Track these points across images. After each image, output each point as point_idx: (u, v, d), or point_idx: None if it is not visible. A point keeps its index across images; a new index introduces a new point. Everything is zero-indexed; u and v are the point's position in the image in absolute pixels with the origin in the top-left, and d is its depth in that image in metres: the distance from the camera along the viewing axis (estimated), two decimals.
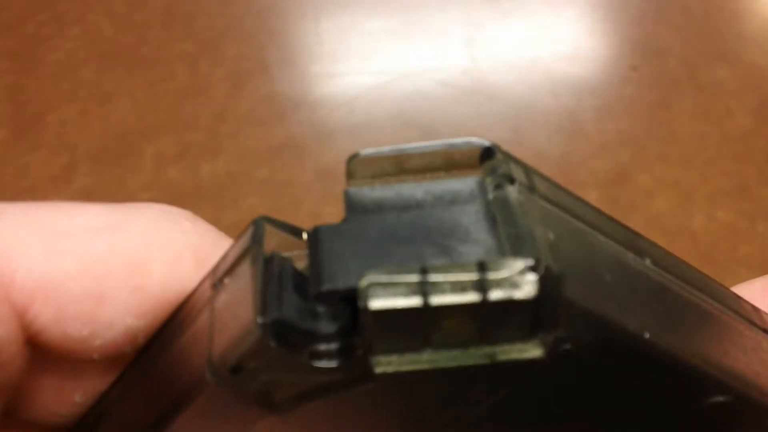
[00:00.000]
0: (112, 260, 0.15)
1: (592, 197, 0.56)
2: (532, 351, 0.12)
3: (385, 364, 0.12)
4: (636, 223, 0.62)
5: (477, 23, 0.68)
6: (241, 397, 0.13)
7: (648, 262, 0.14)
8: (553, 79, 0.63)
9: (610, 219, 0.15)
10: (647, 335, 0.13)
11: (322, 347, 0.12)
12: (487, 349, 0.12)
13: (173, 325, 0.15)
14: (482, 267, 0.11)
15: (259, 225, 0.13)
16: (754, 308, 0.18)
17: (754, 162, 0.57)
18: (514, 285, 0.11)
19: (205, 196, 0.57)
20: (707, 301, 0.15)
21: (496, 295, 0.11)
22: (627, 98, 0.62)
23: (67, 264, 0.14)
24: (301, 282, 0.12)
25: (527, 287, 0.11)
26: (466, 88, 0.63)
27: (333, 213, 0.55)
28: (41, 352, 0.15)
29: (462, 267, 0.11)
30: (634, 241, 0.15)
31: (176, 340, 0.15)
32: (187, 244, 0.15)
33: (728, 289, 0.17)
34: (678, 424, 0.15)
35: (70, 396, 0.17)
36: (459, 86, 0.63)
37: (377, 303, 0.11)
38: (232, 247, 0.14)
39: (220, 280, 0.14)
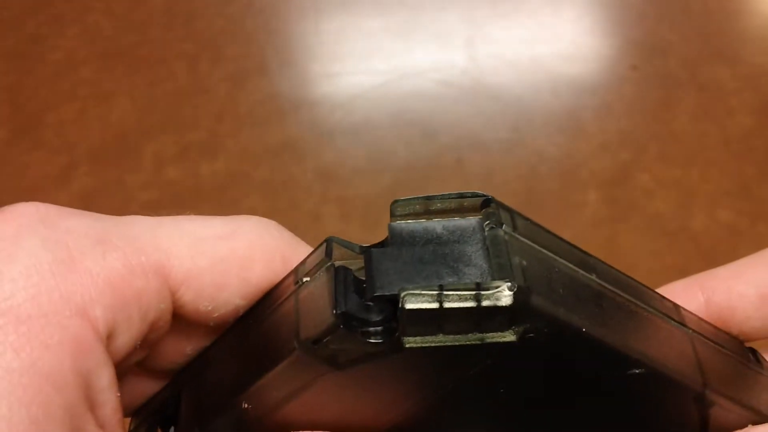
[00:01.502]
0: (229, 260, 0.21)
1: (592, 197, 0.56)
2: (508, 337, 0.19)
3: (412, 342, 0.19)
4: (636, 222, 0.62)
5: (477, 23, 0.68)
6: (317, 361, 0.19)
7: (594, 276, 0.21)
8: (554, 78, 0.63)
9: (570, 245, 0.21)
10: (584, 329, 0.19)
11: (372, 330, 0.19)
12: (479, 335, 0.19)
13: (264, 305, 0.21)
14: (478, 285, 0.18)
15: (329, 242, 0.20)
16: (675, 305, 0.23)
17: (755, 162, 0.57)
18: (497, 297, 0.18)
19: (204, 196, 0.57)
20: (634, 302, 0.22)
21: (486, 303, 0.18)
22: (627, 98, 0.62)
23: (202, 261, 0.21)
24: (359, 285, 0.19)
25: (505, 299, 0.18)
26: (465, 88, 0.63)
27: (332, 213, 0.55)
28: (179, 324, 0.21)
29: (464, 285, 0.18)
30: (585, 261, 0.21)
31: (267, 318, 0.21)
32: (276, 248, 0.22)
33: (655, 292, 0.23)
34: (609, 392, 0.21)
35: (184, 349, 0.23)
36: (459, 86, 0.63)
37: (409, 305, 0.18)
38: (309, 255, 0.21)
39: (302, 279, 0.20)
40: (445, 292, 0.18)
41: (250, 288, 0.22)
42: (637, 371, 0.21)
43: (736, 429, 0.23)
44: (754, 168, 0.57)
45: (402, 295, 0.18)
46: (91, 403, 0.19)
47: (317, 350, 0.19)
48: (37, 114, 0.62)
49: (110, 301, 0.19)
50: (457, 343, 0.19)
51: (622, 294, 0.21)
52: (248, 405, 0.21)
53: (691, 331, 0.23)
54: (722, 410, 0.23)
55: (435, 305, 0.18)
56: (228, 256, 0.21)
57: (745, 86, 0.62)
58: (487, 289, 0.18)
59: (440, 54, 0.66)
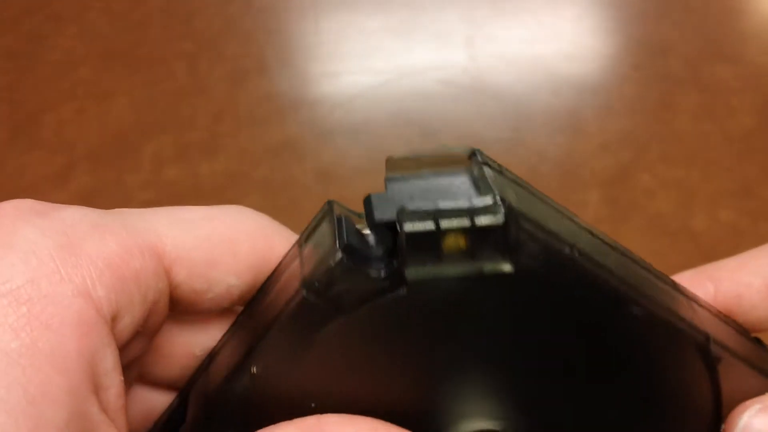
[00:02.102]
0: (216, 236, 0.22)
1: (593, 197, 0.56)
2: (505, 266, 0.19)
3: (414, 273, 0.19)
4: (637, 222, 0.62)
5: (477, 22, 0.68)
6: (323, 303, 0.20)
7: (582, 223, 0.22)
8: (554, 78, 0.63)
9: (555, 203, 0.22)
10: (578, 256, 0.20)
11: (374, 263, 0.20)
12: (477, 265, 0.20)
13: (268, 283, 0.22)
14: (471, 203, 0.19)
15: (330, 203, 0.21)
16: (673, 281, 0.24)
17: (757, 161, 0.57)
18: (490, 212, 0.19)
19: (204, 196, 0.57)
20: (627, 254, 0.22)
21: (479, 221, 0.19)
22: (628, 97, 0.62)
23: (192, 239, 0.22)
24: (359, 231, 0.20)
25: (498, 215, 0.19)
26: (466, 87, 0.63)
27: None
28: (176, 310, 0.22)
29: (459, 204, 0.19)
30: (570, 213, 0.22)
31: (272, 289, 0.22)
32: (259, 226, 0.23)
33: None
34: (611, 336, 0.22)
35: (192, 350, 0.24)
36: (459, 85, 0.63)
37: (408, 227, 0.19)
38: (310, 222, 0.22)
39: (304, 241, 0.21)
40: (440, 208, 0.19)
41: (240, 265, 0.23)
42: (635, 312, 0.21)
43: (754, 395, 0.24)
44: (755, 168, 0.57)
45: (400, 217, 0.19)
46: (95, 386, 0.19)
47: (322, 290, 0.20)
48: (36, 113, 0.62)
49: (111, 281, 0.20)
50: (456, 274, 0.20)
51: (615, 244, 0.22)
52: (256, 369, 0.21)
53: (688, 298, 0.24)
54: (731, 369, 0.23)
55: (432, 226, 0.19)
56: (214, 233, 0.22)
57: (747, 86, 0.62)
58: (480, 207, 0.19)
59: (440, 53, 0.66)
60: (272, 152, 0.59)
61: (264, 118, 0.61)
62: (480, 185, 0.20)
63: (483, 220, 0.19)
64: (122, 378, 0.20)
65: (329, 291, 0.20)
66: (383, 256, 0.20)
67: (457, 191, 0.20)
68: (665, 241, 0.58)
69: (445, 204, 0.19)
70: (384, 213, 0.20)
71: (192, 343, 0.25)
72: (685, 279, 0.26)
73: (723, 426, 0.24)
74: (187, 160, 0.59)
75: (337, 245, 0.20)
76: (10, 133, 0.61)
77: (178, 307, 0.22)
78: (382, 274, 0.20)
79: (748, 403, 0.24)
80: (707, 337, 0.23)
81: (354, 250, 0.20)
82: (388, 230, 0.20)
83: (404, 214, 0.19)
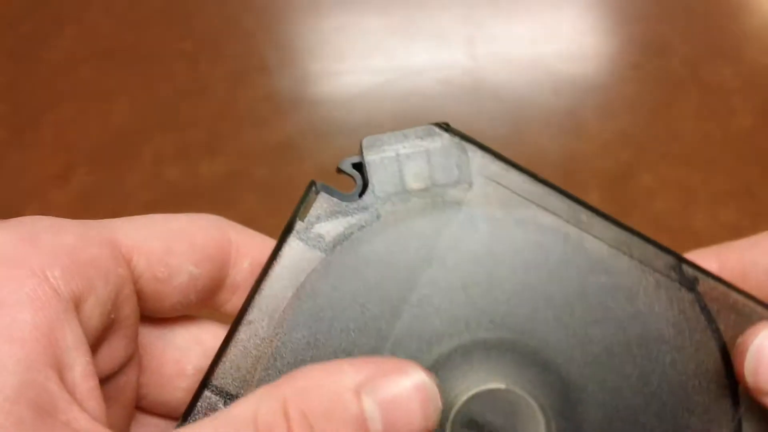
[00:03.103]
0: (172, 229, 0.24)
1: (593, 197, 0.56)
2: (460, 193, 0.24)
3: (383, 206, 0.24)
4: (638, 222, 0.61)
5: (477, 22, 0.68)
6: (308, 243, 0.24)
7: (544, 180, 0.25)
8: (555, 77, 0.63)
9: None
10: (532, 176, 0.25)
11: (349, 199, 0.24)
12: (438, 191, 0.24)
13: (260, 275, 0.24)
14: (427, 132, 0.24)
15: (313, 181, 0.24)
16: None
17: (757, 161, 0.57)
18: (441, 136, 0.24)
19: (204, 196, 0.57)
20: (593, 208, 0.25)
21: (434, 145, 0.24)
22: (628, 97, 0.62)
23: (147, 232, 0.24)
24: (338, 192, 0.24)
25: (448, 136, 0.24)
26: (466, 87, 0.63)
27: None
28: (148, 306, 0.24)
29: (415, 133, 0.24)
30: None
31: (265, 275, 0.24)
32: (211, 223, 0.25)
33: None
34: (569, 266, 0.25)
35: (184, 367, 0.25)
36: (459, 85, 0.63)
37: (370, 155, 0.24)
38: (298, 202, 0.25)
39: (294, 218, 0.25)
40: (401, 143, 0.24)
41: (197, 254, 0.25)
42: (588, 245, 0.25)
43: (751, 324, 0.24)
44: (756, 167, 0.57)
45: (364, 150, 0.24)
46: (56, 362, 0.20)
47: (307, 231, 0.24)
48: (36, 113, 0.62)
49: (67, 264, 0.21)
50: (421, 204, 0.24)
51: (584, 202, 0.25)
52: (252, 318, 0.24)
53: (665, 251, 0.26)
54: (716, 294, 0.25)
55: (392, 153, 0.24)
56: (169, 226, 0.25)
57: (748, 85, 0.62)
58: (436, 134, 0.24)
59: (441, 53, 0.66)
60: (273, 152, 0.59)
61: (264, 118, 0.61)
62: (435, 134, 0.25)
63: (435, 143, 0.24)
64: (90, 360, 0.21)
65: (312, 232, 0.24)
66: (356, 194, 0.24)
67: (415, 136, 0.25)
68: (665, 241, 0.58)
69: (403, 141, 0.24)
70: (353, 158, 0.24)
71: (182, 360, 0.26)
72: (691, 257, 0.26)
73: (734, 354, 0.24)
74: (187, 160, 0.59)
75: (314, 188, 0.24)
76: (10, 133, 0.61)
77: (148, 302, 0.24)
78: (356, 206, 0.24)
79: (759, 326, 0.24)
80: (679, 258, 0.25)
81: (330, 190, 0.24)
82: (357, 171, 0.24)
83: (367, 147, 0.24)
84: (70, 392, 0.20)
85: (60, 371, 0.20)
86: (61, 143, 0.60)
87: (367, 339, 0.24)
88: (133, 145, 0.60)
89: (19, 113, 0.62)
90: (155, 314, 0.25)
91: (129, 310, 0.23)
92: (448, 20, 0.68)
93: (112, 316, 0.22)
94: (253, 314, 0.24)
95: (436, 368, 0.24)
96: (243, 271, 0.26)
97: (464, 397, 0.24)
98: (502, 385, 0.24)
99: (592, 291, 0.25)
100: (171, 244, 0.24)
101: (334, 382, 0.21)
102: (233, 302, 0.26)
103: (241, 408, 0.19)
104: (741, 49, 0.65)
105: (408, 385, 0.21)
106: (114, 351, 0.23)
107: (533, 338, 0.25)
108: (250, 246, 0.26)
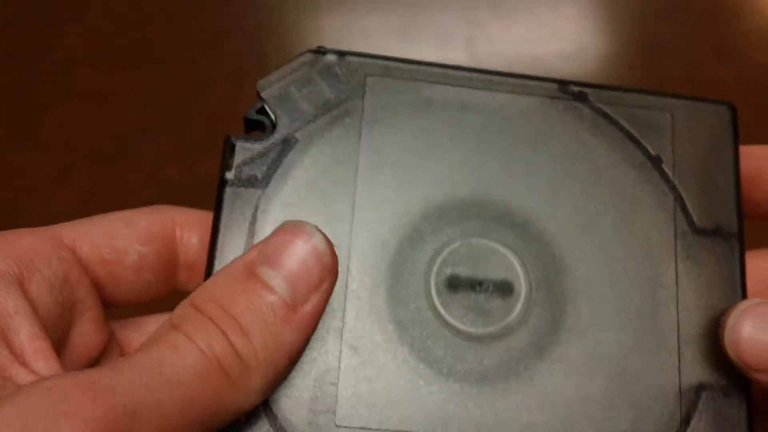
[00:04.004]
0: (111, 218, 0.26)
1: None
2: (357, 102, 0.27)
3: (296, 132, 0.26)
4: None
5: (477, 22, 0.68)
6: (242, 185, 0.26)
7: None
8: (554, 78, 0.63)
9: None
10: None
11: (264, 137, 0.26)
12: (336, 106, 0.27)
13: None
14: (308, 58, 0.27)
15: (226, 137, 0.27)
16: None
17: None
18: (320, 57, 0.27)
19: (204, 196, 0.57)
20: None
21: (318, 67, 0.27)
22: None
23: (87, 221, 0.25)
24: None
25: (326, 57, 0.27)
26: None
27: None
28: (109, 289, 0.26)
29: (300, 64, 0.27)
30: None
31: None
32: (152, 208, 0.27)
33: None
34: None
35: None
36: None
37: (267, 95, 0.27)
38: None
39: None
40: (289, 71, 0.27)
41: (140, 233, 0.26)
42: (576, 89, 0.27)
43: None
44: None
45: (259, 89, 0.27)
46: None
47: (239, 178, 0.26)
48: (36, 113, 0.62)
49: (8, 250, 0.23)
50: (330, 120, 0.26)
51: None
52: (217, 270, 0.25)
53: None
54: (610, 99, 0.28)
55: (286, 86, 0.27)
56: (110, 217, 0.26)
57: (747, 86, 0.62)
58: (312, 57, 0.27)
59: (440, 53, 0.66)
60: None
61: None
62: (316, 58, 0.27)
63: (318, 64, 0.27)
64: (37, 325, 0.22)
65: (241, 173, 0.26)
66: (269, 133, 0.26)
67: (300, 65, 0.27)
68: None
69: (291, 73, 0.27)
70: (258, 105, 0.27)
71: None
72: None
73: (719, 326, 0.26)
74: (187, 160, 0.59)
75: (232, 140, 0.26)
76: (10, 133, 0.61)
77: (106, 286, 0.26)
78: (273, 141, 0.26)
79: (740, 304, 0.25)
80: (563, 81, 0.28)
81: (246, 138, 0.26)
82: (263, 114, 0.27)
83: (262, 87, 0.27)
84: (17, 354, 0.21)
85: (4, 336, 0.21)
86: (61, 143, 0.60)
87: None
88: (132, 145, 0.60)
89: (19, 113, 0.62)
90: (122, 301, 0.26)
91: (84, 291, 0.25)
92: (448, 20, 0.68)
93: (66, 294, 0.24)
94: (217, 268, 0.25)
95: (409, 236, 0.26)
96: (193, 248, 0.27)
97: (444, 253, 0.26)
98: (476, 239, 0.26)
99: (521, 139, 0.27)
100: (113, 229, 0.26)
101: (230, 269, 0.23)
102: (194, 280, 0.27)
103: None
104: (740, 49, 0.65)
105: (296, 242, 0.23)
106: (86, 337, 0.25)
107: (493, 197, 0.26)
108: (195, 223, 0.28)
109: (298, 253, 0.23)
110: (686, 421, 0.25)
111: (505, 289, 0.26)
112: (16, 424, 0.18)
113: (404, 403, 0.24)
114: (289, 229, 0.23)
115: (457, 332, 0.25)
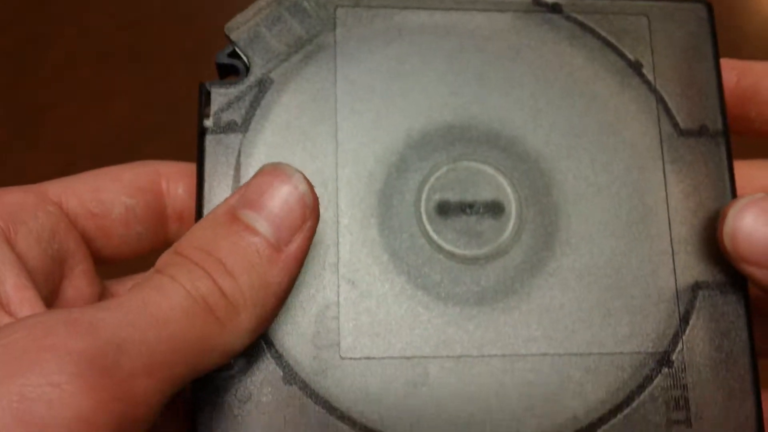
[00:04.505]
0: (98, 174, 0.27)
1: None
2: (329, 36, 0.27)
3: (271, 73, 0.26)
4: None
5: None
6: (222, 131, 0.26)
7: None
8: None
9: None
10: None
11: (238, 80, 0.26)
12: (309, 41, 0.26)
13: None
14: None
15: (200, 85, 0.26)
16: None
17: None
18: None
19: None
20: None
21: (286, 4, 0.26)
22: None
23: (72, 180, 0.26)
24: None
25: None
26: None
27: None
28: (101, 242, 0.26)
29: (266, 3, 0.27)
30: None
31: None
32: (137, 163, 0.27)
33: None
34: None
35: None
36: None
37: (237, 37, 0.26)
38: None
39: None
40: (254, 11, 0.26)
41: (126, 186, 0.26)
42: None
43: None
44: None
45: (227, 31, 0.26)
46: None
47: (218, 124, 0.26)
48: (36, 114, 0.62)
49: None
50: (304, 56, 0.26)
51: None
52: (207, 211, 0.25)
53: None
54: (583, 8, 0.27)
55: (254, 26, 0.26)
56: (95, 174, 0.27)
57: None
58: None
59: None
60: None
61: None
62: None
63: (286, 2, 0.26)
64: (23, 275, 0.22)
65: (220, 120, 0.26)
66: (243, 76, 0.26)
67: (266, 4, 0.27)
68: None
69: (259, 12, 0.26)
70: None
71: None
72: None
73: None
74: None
75: (206, 86, 0.26)
76: (11, 133, 0.61)
77: (96, 240, 0.26)
78: (249, 84, 0.26)
79: (741, 199, 0.25)
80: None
81: (220, 83, 0.26)
82: (234, 58, 0.27)
83: (230, 30, 0.26)
84: (3, 303, 0.22)
85: None
86: (61, 143, 0.60)
87: (315, 180, 0.25)
88: (132, 146, 0.60)
89: (18, 113, 0.62)
90: (114, 255, 0.27)
91: (74, 245, 0.25)
92: None
93: (55, 247, 0.24)
94: (206, 213, 0.25)
95: (396, 165, 0.26)
96: (180, 197, 0.27)
97: (431, 180, 0.26)
98: (462, 162, 0.26)
99: (498, 57, 0.27)
100: (98, 183, 0.26)
101: (212, 215, 0.23)
102: (184, 231, 0.27)
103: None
104: (739, 50, 0.65)
105: (276, 184, 0.23)
106: (78, 291, 0.25)
107: (476, 118, 0.26)
108: (180, 174, 0.28)
109: (279, 194, 0.23)
110: (685, 320, 0.25)
111: (495, 209, 0.26)
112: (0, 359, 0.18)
113: (406, 330, 0.24)
114: (268, 171, 0.23)
115: (452, 256, 0.25)
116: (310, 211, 0.23)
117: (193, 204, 0.25)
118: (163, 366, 0.20)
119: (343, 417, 0.23)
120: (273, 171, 0.23)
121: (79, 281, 0.25)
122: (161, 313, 0.20)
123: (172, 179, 0.27)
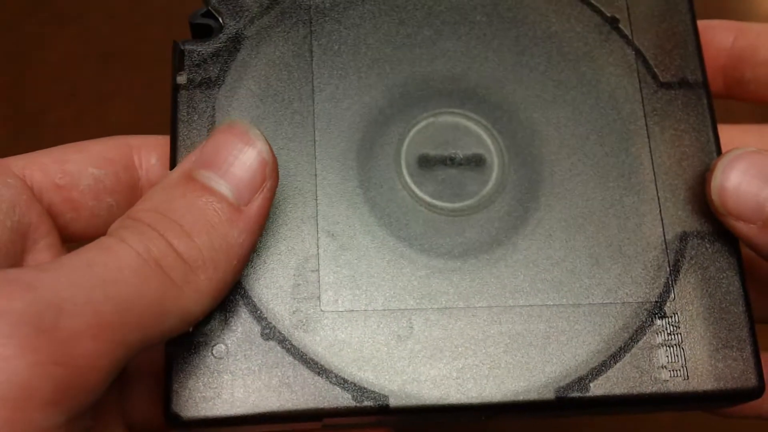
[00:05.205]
0: (65, 147, 0.26)
1: None
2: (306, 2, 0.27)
3: (244, 30, 0.26)
4: None
5: None
6: (198, 89, 0.26)
7: None
8: None
9: None
10: None
11: (213, 37, 0.26)
12: (282, 2, 0.26)
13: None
14: None
15: (173, 43, 0.27)
16: None
17: None
18: None
19: None
20: None
21: None
22: None
23: (36, 154, 0.25)
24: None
25: None
26: None
27: None
28: (69, 215, 0.25)
29: None
30: None
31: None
32: (105, 137, 0.27)
33: None
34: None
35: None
36: None
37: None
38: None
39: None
40: None
41: (93, 157, 0.26)
42: None
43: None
44: None
45: None
46: None
47: (192, 81, 0.26)
48: (36, 113, 0.62)
49: None
50: (277, 16, 0.26)
51: None
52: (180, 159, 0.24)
53: None
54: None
55: None
56: (61, 147, 0.26)
57: None
58: None
59: None
60: None
61: None
62: None
63: None
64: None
65: (194, 77, 0.26)
66: (217, 33, 0.26)
67: None
68: None
69: None
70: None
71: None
72: (705, 26, 0.29)
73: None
74: None
75: (180, 44, 0.26)
76: (10, 133, 0.61)
77: (66, 213, 0.25)
78: (223, 41, 0.26)
79: (730, 152, 0.25)
80: None
81: (193, 41, 0.26)
82: (208, 17, 0.27)
83: None
84: None
85: None
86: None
87: (293, 134, 0.25)
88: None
89: (18, 114, 0.62)
90: (86, 229, 0.26)
91: (36, 217, 0.24)
92: None
93: (15, 219, 0.23)
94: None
95: (374, 119, 0.25)
96: (154, 168, 0.27)
97: (411, 133, 0.26)
98: (442, 116, 0.26)
99: (474, 11, 0.27)
100: (64, 155, 0.26)
101: (167, 179, 0.22)
102: None
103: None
104: None
105: (233, 141, 0.22)
106: (45, 255, 0.25)
107: (454, 72, 0.26)
108: (152, 146, 0.27)
109: (236, 152, 0.22)
110: (675, 269, 0.25)
111: (478, 160, 0.26)
112: None
113: (388, 282, 0.24)
114: (225, 129, 0.23)
115: (434, 208, 0.25)
116: (270, 170, 0.22)
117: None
118: (110, 328, 0.18)
119: (325, 371, 0.23)
120: (229, 129, 0.22)
121: (42, 255, 0.24)
122: (108, 273, 0.19)
123: (144, 150, 0.27)
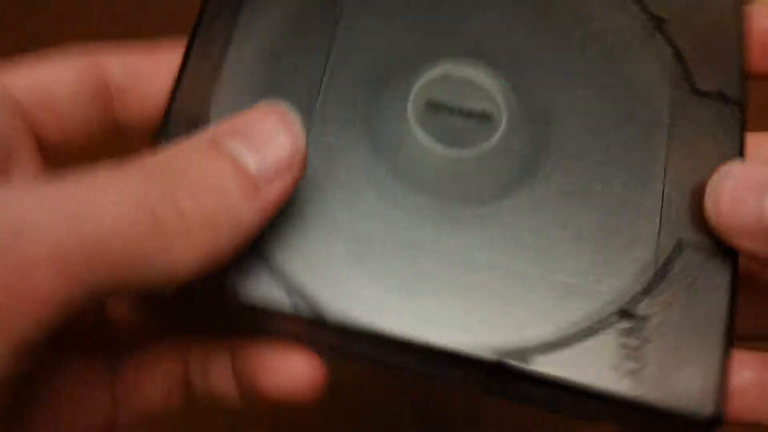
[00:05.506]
0: (32, 58, 0.25)
1: None
2: None
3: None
4: None
5: None
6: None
7: None
8: None
9: None
10: None
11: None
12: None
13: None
14: None
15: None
16: None
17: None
18: None
19: None
20: None
21: None
22: None
23: (13, 66, 0.24)
24: None
25: None
26: None
27: None
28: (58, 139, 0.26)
29: None
30: None
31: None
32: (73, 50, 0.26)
33: None
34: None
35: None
36: None
37: None
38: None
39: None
40: None
41: (63, 63, 0.26)
42: None
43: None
44: None
45: None
46: None
47: None
48: None
49: None
50: None
51: None
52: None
53: None
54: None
55: None
56: (27, 57, 0.26)
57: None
58: None
59: None
60: None
61: None
62: None
63: None
64: None
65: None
66: None
67: None
68: None
69: None
70: None
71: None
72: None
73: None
74: None
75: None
76: None
77: (45, 120, 0.25)
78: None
79: (722, 167, 0.24)
80: None
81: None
82: None
83: None
84: None
85: None
86: None
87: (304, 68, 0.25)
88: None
89: None
90: (64, 139, 0.26)
91: (19, 129, 0.25)
92: None
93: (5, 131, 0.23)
94: (191, 64, 0.26)
95: (388, 70, 0.26)
96: (118, 73, 0.27)
97: (421, 80, 0.26)
98: (458, 67, 0.26)
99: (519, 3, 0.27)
100: (35, 65, 0.27)
101: (192, 139, 0.21)
102: (129, 105, 0.27)
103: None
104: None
105: (269, 119, 0.21)
106: (28, 175, 0.25)
107: (481, 47, 0.26)
108: (115, 49, 0.27)
109: (273, 132, 0.21)
110: (662, 273, 0.24)
111: (485, 114, 0.25)
112: None
113: (368, 206, 0.24)
114: (264, 108, 0.22)
115: (437, 154, 0.25)
116: (299, 160, 0.21)
117: (133, 82, 0.26)
118: (72, 263, 0.17)
119: (278, 273, 0.23)
120: (268, 108, 0.22)
121: (27, 167, 0.24)
122: (84, 207, 0.18)
123: (105, 54, 0.27)
